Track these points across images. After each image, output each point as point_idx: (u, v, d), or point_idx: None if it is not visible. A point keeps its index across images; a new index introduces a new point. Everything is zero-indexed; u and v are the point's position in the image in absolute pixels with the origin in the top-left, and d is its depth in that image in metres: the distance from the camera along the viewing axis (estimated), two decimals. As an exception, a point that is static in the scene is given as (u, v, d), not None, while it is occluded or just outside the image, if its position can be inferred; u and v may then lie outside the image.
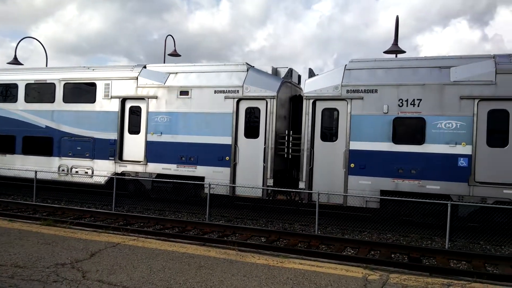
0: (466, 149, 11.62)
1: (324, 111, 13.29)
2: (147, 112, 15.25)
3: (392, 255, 10.26)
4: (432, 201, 11.28)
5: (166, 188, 15.01)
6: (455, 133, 11.71)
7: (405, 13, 62.42)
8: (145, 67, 15.90)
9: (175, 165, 14.77)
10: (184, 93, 14.73)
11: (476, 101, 11.58)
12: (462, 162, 11.64)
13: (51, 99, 16.66)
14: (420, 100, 12.04)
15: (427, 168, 11.93)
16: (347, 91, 12.78)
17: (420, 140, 12.04)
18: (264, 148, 13.82)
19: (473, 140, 11.56)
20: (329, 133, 13.30)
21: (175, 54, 24.93)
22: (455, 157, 11.70)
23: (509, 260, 9.69)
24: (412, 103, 12.11)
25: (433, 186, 11.87)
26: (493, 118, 11.51)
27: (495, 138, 11.49)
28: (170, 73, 15.30)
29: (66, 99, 16.47)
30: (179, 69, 15.41)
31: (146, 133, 15.23)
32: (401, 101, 12.22)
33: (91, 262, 7.12)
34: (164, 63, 22.72)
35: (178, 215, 14.34)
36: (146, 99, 15.28)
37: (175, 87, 14.90)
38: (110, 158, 15.69)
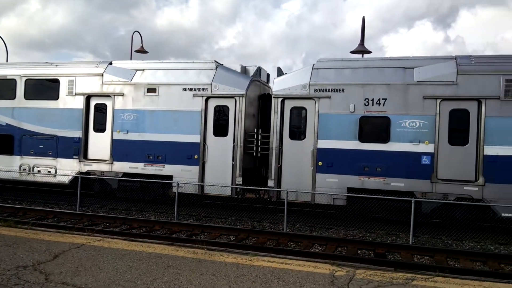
0: (429, 148, 11.99)
1: (293, 109, 13.40)
2: (113, 110, 14.92)
3: (359, 251, 10.47)
4: (396, 198, 11.59)
5: (133, 187, 14.75)
6: (419, 132, 12.07)
7: (372, 14, 63.86)
8: (111, 63, 15.54)
9: (142, 164, 14.53)
10: (151, 90, 14.50)
11: (439, 100, 11.96)
12: (425, 160, 12.01)
13: (12, 96, 16.03)
14: (385, 99, 12.34)
15: (392, 166, 12.24)
16: (315, 90, 12.93)
17: (385, 139, 12.33)
18: (233, 146, 13.80)
19: (435, 138, 11.95)
20: (298, 132, 13.43)
21: (142, 50, 24.49)
22: (419, 155, 12.06)
23: (469, 255, 10.07)
24: (378, 102, 12.39)
25: (397, 184, 12.20)
26: (454, 117, 11.93)
27: (456, 136, 11.92)
28: (137, 70, 15.03)
29: (27, 96, 15.89)
30: (146, 66, 15.17)
31: (112, 131, 14.90)
32: (367, 100, 12.48)
33: (54, 264, 6.90)
34: (131, 59, 22.30)
35: (145, 214, 14.13)
36: (112, 96, 14.95)
37: (142, 84, 14.65)
38: (74, 156, 15.25)
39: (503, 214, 11.42)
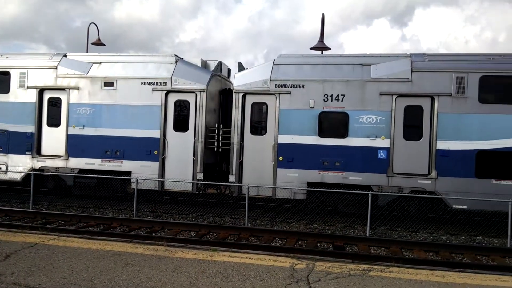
0: (385, 142, 12.37)
1: (254, 105, 13.43)
2: (68, 104, 14.40)
3: (318, 244, 10.68)
4: (354, 191, 11.89)
5: (89, 184, 14.32)
6: (375, 127, 12.42)
7: (332, 11, 64.79)
8: (65, 55, 14.97)
9: (100, 159, 14.13)
10: (108, 84, 14.10)
11: (394, 97, 12.35)
12: (381, 155, 12.39)
13: (-43, 89, 15.13)
14: (344, 95, 12.60)
15: (350, 160, 12.54)
16: (276, 86, 13.02)
17: (344, 134, 12.61)
18: (194, 141, 13.67)
19: (391, 133, 12.34)
20: (259, 127, 13.48)
21: (99, 43, 23.72)
22: (375, 150, 12.41)
23: (423, 245, 10.50)
24: (337, 98, 12.64)
25: (355, 178, 12.51)
26: (409, 113, 12.36)
27: (411, 132, 12.36)
28: (93, 63, 14.56)
29: (-25, 89, 15.04)
30: (104, 58, 14.72)
31: (67, 126, 14.38)
32: (326, 96, 12.70)
33: (6, 264, 6.62)
34: (87, 52, 21.56)
35: (103, 212, 13.77)
36: (67, 90, 14.42)
37: (98, 78, 14.21)
38: (27, 152, 14.62)
39: (454, 206, 11.98)
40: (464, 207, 11.89)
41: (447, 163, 11.97)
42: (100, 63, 14.54)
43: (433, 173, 12.07)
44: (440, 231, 12.12)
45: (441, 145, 12.02)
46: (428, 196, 11.91)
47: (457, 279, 6.86)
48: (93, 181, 14.22)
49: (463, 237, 11.75)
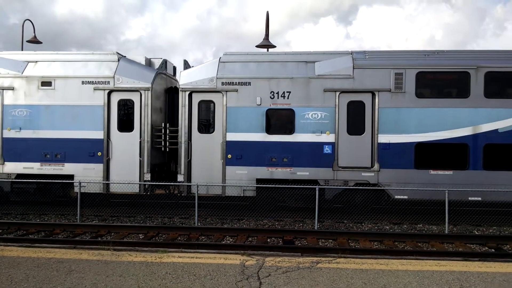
0: (330, 138, 12.71)
1: (201, 103, 13.31)
2: (2, 105, 13.53)
3: (268, 240, 10.79)
4: (302, 186, 12.14)
5: (29, 190, 13.57)
6: (320, 123, 12.72)
7: (280, 10, 65.39)
8: (-3, 54, 14.07)
9: (39, 163, 13.42)
10: (46, 83, 13.42)
11: (337, 93, 12.71)
12: (327, 150, 12.72)
13: None
14: (290, 92, 12.80)
15: (297, 156, 12.76)
16: (222, 84, 12.98)
17: (291, 130, 12.81)
18: (140, 141, 13.34)
19: (335, 129, 12.69)
20: (207, 125, 13.39)
21: (35, 41, 22.45)
22: (321, 145, 12.73)
23: (368, 235, 10.92)
24: (283, 95, 12.81)
25: (303, 173, 12.76)
26: (352, 108, 12.77)
27: (354, 127, 12.77)
28: (29, 62, 13.78)
29: None
30: (40, 57, 13.97)
31: (2, 129, 13.52)
32: (272, 93, 12.84)
33: None
34: (22, 50, 20.38)
35: (44, 218, 13.10)
36: (0, 90, 13.56)
37: (35, 77, 13.48)
38: (-43, 158, 13.61)
39: (396, 197, 12.55)
40: (405, 197, 12.49)
41: (388, 155, 12.51)
42: (37, 61, 13.80)
43: (376, 166, 12.56)
44: (383, 221, 12.65)
45: (382, 138, 12.53)
46: (371, 188, 12.40)
47: (400, 266, 7.20)
48: (32, 186, 13.49)
49: (405, 225, 12.34)
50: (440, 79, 12.77)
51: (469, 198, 12.20)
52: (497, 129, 12.24)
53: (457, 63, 12.54)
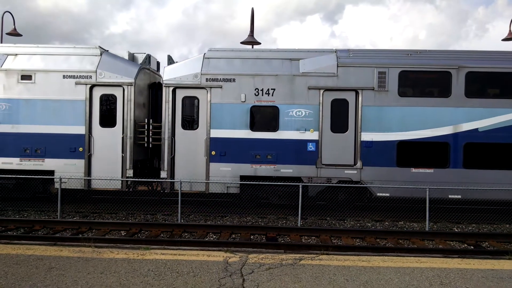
0: (313, 135, 12.77)
1: (185, 99, 13.21)
2: (-20, 99, 13.21)
3: (252, 237, 10.80)
4: (285, 183, 12.18)
5: (7, 185, 13.28)
6: (304, 121, 12.76)
7: (266, 7, 65.30)
8: (-25, 47, 13.71)
9: (18, 158, 13.14)
10: (26, 77, 13.13)
11: (321, 91, 12.76)
12: (310, 147, 12.77)
13: None
14: (274, 89, 12.80)
15: (281, 153, 12.78)
16: (207, 80, 12.90)
17: (275, 127, 12.82)
18: (122, 137, 13.18)
19: (319, 126, 12.75)
20: (190, 121, 13.30)
21: (15, 33, 21.94)
22: (305, 142, 12.77)
23: (350, 232, 11.01)
24: (267, 92, 12.80)
25: (286, 170, 12.79)
26: (335, 106, 12.84)
27: (337, 124, 12.85)
28: (8, 55, 13.46)
29: None
30: (20, 50, 13.65)
31: (-21, 123, 13.20)
32: (257, 90, 12.82)
33: None
34: (1, 43, 19.92)
35: (23, 214, 12.84)
36: (-22, 83, 13.22)
37: (14, 71, 13.18)
38: None
39: (378, 194, 12.69)
40: (387, 194, 12.63)
41: (371, 153, 12.63)
42: (16, 54, 13.49)
43: (359, 164, 12.67)
44: (366, 218, 12.78)
45: (365, 136, 12.64)
46: (354, 185, 12.51)
47: (382, 263, 7.28)
48: (11, 182, 13.22)
49: (387, 223, 12.49)
50: (422, 79, 12.94)
51: (449, 196, 12.41)
52: (477, 128, 12.47)
53: (439, 63, 12.72)
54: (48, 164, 13.14)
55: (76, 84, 13.08)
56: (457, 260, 7.73)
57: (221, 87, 12.87)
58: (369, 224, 12.36)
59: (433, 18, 62.06)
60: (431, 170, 12.54)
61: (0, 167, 13.15)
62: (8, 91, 13.18)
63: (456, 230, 11.91)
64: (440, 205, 12.67)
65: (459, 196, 12.42)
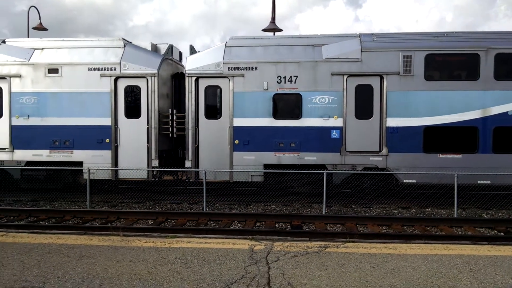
0: (338, 122, 12.63)
1: (207, 88, 13.25)
2: (10, 93, 13.60)
3: (276, 225, 10.83)
4: (309, 171, 12.12)
5: (38, 177, 13.70)
6: (328, 107, 12.63)
7: (288, -8, 64.44)
8: (4, 42, 14.08)
9: (48, 150, 13.51)
10: (53, 71, 13.42)
11: (345, 77, 12.57)
12: (334, 134, 12.65)
13: None
14: (297, 76, 12.68)
15: (304, 141, 12.71)
16: (229, 68, 12.89)
17: (298, 115, 12.74)
18: (147, 128, 13.36)
19: (343, 113, 12.59)
20: (213, 111, 13.34)
21: (40, 27, 22.45)
22: (329, 129, 12.65)
23: (376, 220, 10.91)
24: (290, 79, 12.70)
25: (310, 158, 12.72)
26: (359, 92, 12.64)
27: (362, 111, 12.66)
28: (35, 49, 13.78)
29: None
30: (46, 44, 13.94)
31: (10, 116, 13.62)
32: (279, 78, 12.73)
33: None
34: (28, 37, 20.39)
35: (54, 204, 13.25)
36: (8, 78, 13.60)
37: (42, 64, 13.49)
38: (-33, 146, 13.75)
39: (404, 181, 12.49)
40: (414, 181, 12.42)
41: (396, 139, 12.41)
42: (43, 49, 13.79)
43: (384, 150, 12.48)
44: (392, 205, 12.62)
45: (391, 122, 12.42)
46: (380, 172, 12.34)
47: (409, 250, 7.19)
48: (42, 173, 13.62)
49: (414, 210, 12.31)
50: (450, 61, 12.57)
51: (478, 182, 12.10)
52: (507, 112, 12.08)
53: (466, 45, 12.32)
54: (76, 155, 13.47)
55: (101, 76, 13.29)
56: (487, 247, 7.55)
57: (243, 76, 12.84)
58: (395, 211, 12.20)
59: (460, -2, 60.03)
60: (459, 156, 12.25)
61: (31, 159, 13.57)
62: (36, 84, 13.51)
63: (485, 216, 11.64)
64: (469, 191, 12.38)
65: (489, 182, 12.10)
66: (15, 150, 13.66)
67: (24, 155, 13.63)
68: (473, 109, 12.19)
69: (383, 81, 12.43)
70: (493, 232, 10.16)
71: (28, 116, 13.53)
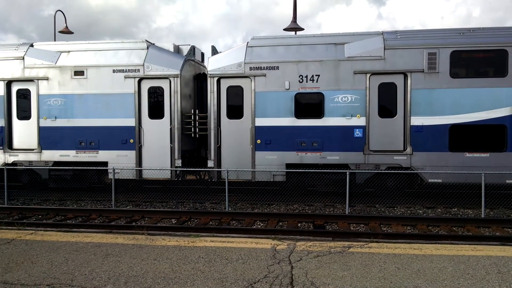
0: (360, 121, 12.49)
1: (229, 88, 13.32)
2: (38, 95, 13.99)
3: (299, 224, 10.79)
4: (332, 171, 12.02)
5: (65, 176, 14.05)
6: (351, 106, 12.51)
7: (311, -9, 64.12)
8: (32, 45, 14.48)
9: (74, 151, 13.84)
10: (79, 73, 13.74)
11: (368, 75, 12.43)
12: (357, 133, 12.52)
13: None
14: (319, 75, 12.61)
15: (327, 140, 12.63)
16: (250, 68, 12.92)
17: (320, 114, 12.66)
18: (170, 128, 13.52)
19: (366, 112, 12.45)
20: (235, 111, 13.39)
21: (66, 31, 23.01)
22: (351, 128, 12.53)
23: (400, 220, 10.74)
24: (312, 78, 12.64)
25: (333, 157, 12.63)
26: (383, 91, 12.48)
27: (385, 109, 12.50)
28: (61, 52, 14.13)
29: None
30: (72, 47, 14.29)
31: (38, 118, 14.01)
32: (301, 77, 12.68)
33: (-20, 263, 6.45)
34: (55, 41, 20.92)
35: (81, 203, 13.55)
36: (36, 80, 13.99)
37: (68, 67, 13.82)
38: (-2, 147, 14.21)
39: (429, 180, 12.26)
40: (439, 180, 12.18)
41: (421, 138, 12.20)
42: (69, 51, 14.13)
43: (408, 149, 12.28)
44: (417, 205, 12.41)
45: (415, 121, 12.22)
46: (404, 171, 12.15)
47: (434, 251, 7.05)
48: (68, 173, 13.96)
49: (439, 209, 12.07)
50: (476, 58, 12.27)
51: (507, 181, 11.77)
52: (537, 109, 11.72)
53: (494, 41, 12.00)
54: (102, 155, 13.74)
55: (125, 78, 13.52)
56: (517, 248, 7.34)
57: (265, 75, 12.85)
58: (420, 211, 11.99)
59: (488, -8, 58.49)
60: (486, 154, 11.95)
61: (58, 159, 13.93)
62: (62, 86, 13.86)
63: (515, 216, 11.32)
64: (497, 191, 12.06)
65: (518, 181, 11.76)
66: (43, 151, 14.04)
67: (51, 155, 13.99)
68: (501, 106, 11.87)
69: (407, 79, 12.23)
70: (522, 233, 9.87)
71: (55, 118, 13.88)
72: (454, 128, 12.05)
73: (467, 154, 12.05)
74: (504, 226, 10.17)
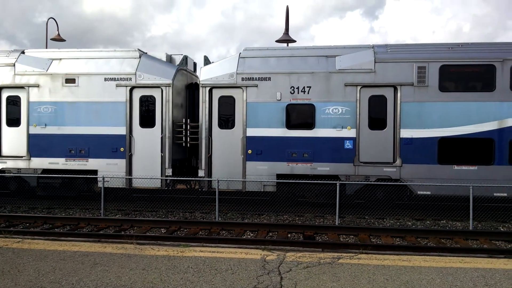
0: (351, 132, 12.59)
1: (221, 98, 13.36)
2: (28, 102, 13.89)
3: (289, 235, 10.79)
4: (322, 181, 12.08)
5: (54, 184, 13.92)
6: (341, 118, 12.62)
7: (305, 4, 64.70)
8: (23, 52, 14.42)
9: (64, 158, 13.74)
10: (70, 81, 13.69)
11: (359, 87, 12.57)
12: (348, 145, 12.61)
13: None
14: (310, 87, 12.72)
15: (317, 151, 12.70)
16: (242, 79, 12.99)
17: (311, 125, 12.74)
18: (161, 137, 13.50)
19: (357, 124, 12.56)
20: (227, 121, 13.43)
21: (58, 38, 22.91)
22: (342, 140, 12.62)
23: (389, 231, 10.79)
24: (303, 90, 12.75)
25: (323, 168, 12.69)
26: (373, 103, 12.62)
27: (376, 121, 12.63)
28: (53, 59, 14.08)
29: None
30: (64, 54, 14.25)
31: (28, 125, 13.90)
32: (292, 88, 12.78)
33: (-35, 271, 6.35)
34: (46, 48, 20.84)
35: (69, 212, 13.41)
36: (26, 87, 13.91)
37: (59, 75, 13.77)
38: (-15, 154, 14.04)
39: (418, 192, 12.37)
40: (428, 192, 12.29)
41: (411, 150, 12.32)
42: (61, 59, 14.09)
43: (398, 161, 12.39)
44: (406, 217, 12.48)
45: (405, 133, 12.35)
46: (393, 183, 12.24)
47: (423, 262, 7.10)
48: (57, 181, 13.83)
49: (428, 221, 12.16)
50: (465, 72, 12.49)
51: (495, 194, 11.92)
52: (524, 123, 11.92)
53: (482, 56, 12.24)
54: (91, 164, 13.65)
55: (116, 86, 13.50)
56: (503, 261, 7.43)
57: (256, 86, 12.93)
58: (409, 223, 12.07)
59: (478, 9, 59.57)
60: (474, 167, 12.11)
61: (47, 167, 13.80)
62: (53, 94, 13.79)
63: (501, 229, 11.43)
64: (485, 204, 12.19)
65: (505, 194, 11.91)
66: (32, 158, 13.91)
67: (40, 163, 13.86)
68: (489, 120, 12.06)
69: (397, 91, 12.39)
70: (509, 245, 9.96)
71: (45, 125, 13.78)
72: (443, 141, 12.20)
73: (456, 167, 12.20)
74: (491, 239, 10.27)
